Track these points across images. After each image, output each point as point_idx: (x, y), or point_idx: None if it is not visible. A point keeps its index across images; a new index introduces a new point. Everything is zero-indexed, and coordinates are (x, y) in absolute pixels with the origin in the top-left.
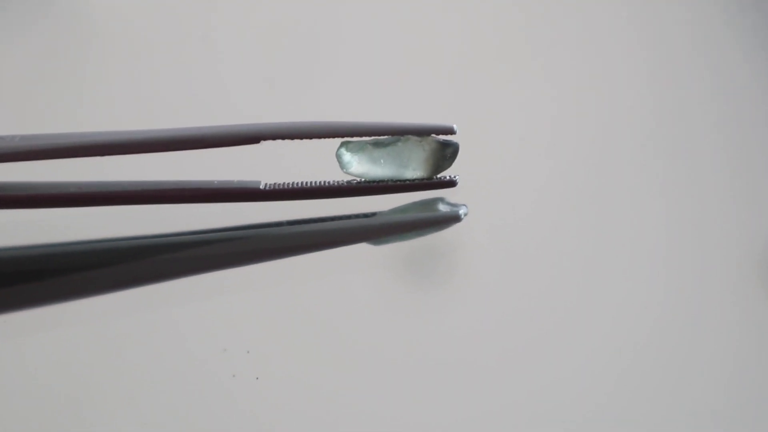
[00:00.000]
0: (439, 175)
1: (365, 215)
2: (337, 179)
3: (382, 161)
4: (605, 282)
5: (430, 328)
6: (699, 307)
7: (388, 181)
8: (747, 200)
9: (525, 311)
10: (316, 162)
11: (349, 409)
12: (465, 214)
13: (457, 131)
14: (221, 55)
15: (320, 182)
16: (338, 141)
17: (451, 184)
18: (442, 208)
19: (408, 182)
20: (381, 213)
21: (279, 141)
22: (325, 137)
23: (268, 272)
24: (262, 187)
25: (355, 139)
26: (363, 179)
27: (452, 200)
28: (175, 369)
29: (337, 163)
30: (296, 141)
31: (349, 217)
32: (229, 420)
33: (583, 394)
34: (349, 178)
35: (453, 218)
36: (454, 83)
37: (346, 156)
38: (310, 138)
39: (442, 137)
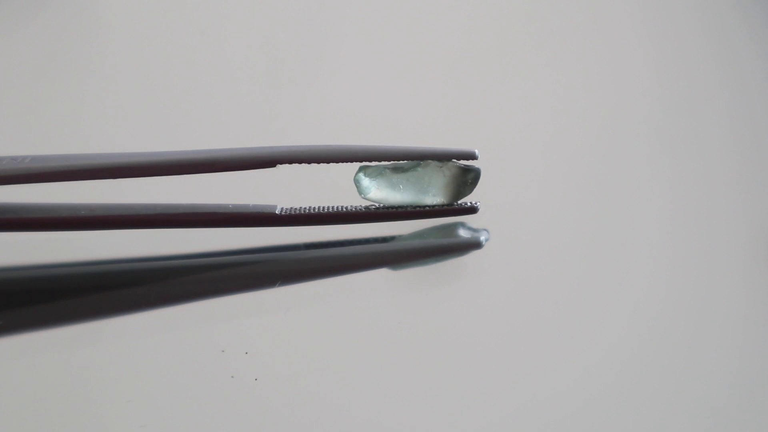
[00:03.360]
0: (459, 202)
1: (384, 239)
2: (354, 204)
3: (401, 187)
4: (611, 275)
5: (434, 328)
6: (705, 299)
7: (407, 207)
8: (753, 192)
9: (532, 305)
10: (333, 186)
11: (349, 410)
12: (486, 240)
13: (479, 156)
14: (225, 50)
15: (338, 208)
16: (356, 165)
17: (471, 210)
18: (463, 233)
19: (428, 208)
20: (400, 237)
21: (296, 165)
22: (342, 161)
23: None
24: (278, 212)
25: (373, 163)
26: (382, 205)
27: (473, 224)
28: (174, 370)
29: (355, 188)
30: (313, 165)
31: (367, 240)
32: (228, 421)
33: (587, 389)
34: (367, 203)
35: (473, 245)
36: (456, 77)
37: (365, 181)
38: (328, 162)
39: (463, 162)
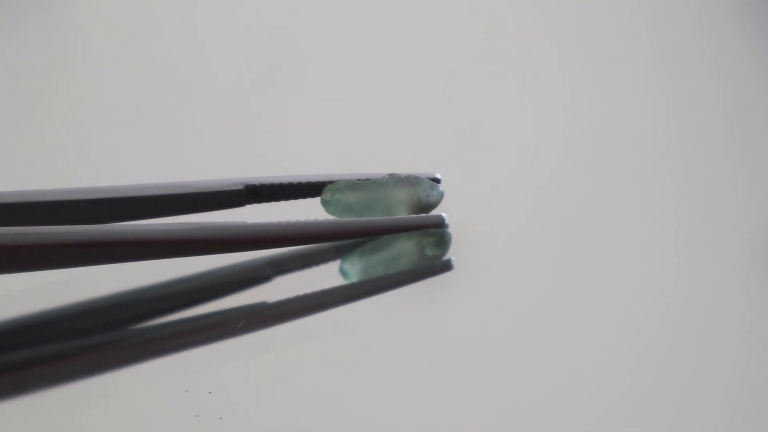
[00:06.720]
0: (426, 214)
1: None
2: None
3: (367, 196)
4: (614, 279)
5: (405, 361)
6: (708, 302)
7: (374, 219)
8: (753, 195)
9: (534, 309)
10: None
11: None
12: (453, 252)
13: (442, 180)
14: (209, 54)
15: (306, 221)
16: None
17: (439, 222)
18: (430, 253)
19: (394, 220)
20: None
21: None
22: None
23: None
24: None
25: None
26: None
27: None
28: (139, 410)
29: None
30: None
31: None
32: None
33: (591, 394)
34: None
35: (445, 268)
36: (458, 81)
37: (329, 196)
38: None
39: (428, 181)
